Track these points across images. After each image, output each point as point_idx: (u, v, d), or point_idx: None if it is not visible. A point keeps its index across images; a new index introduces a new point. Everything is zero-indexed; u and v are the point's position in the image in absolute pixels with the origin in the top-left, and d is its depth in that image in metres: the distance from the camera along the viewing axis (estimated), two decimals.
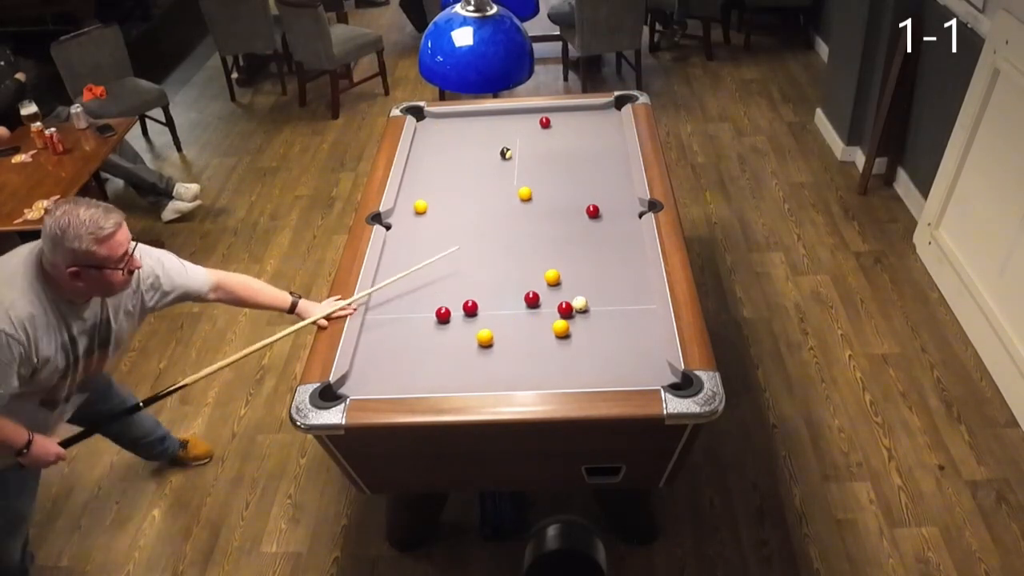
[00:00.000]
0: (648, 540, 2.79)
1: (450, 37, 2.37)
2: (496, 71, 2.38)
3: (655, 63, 6.38)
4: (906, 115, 4.32)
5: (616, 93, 3.76)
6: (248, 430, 3.36)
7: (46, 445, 2.27)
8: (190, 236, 4.65)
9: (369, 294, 2.61)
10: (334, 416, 2.13)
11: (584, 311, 2.48)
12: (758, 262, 4.10)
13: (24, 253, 2.13)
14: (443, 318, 2.51)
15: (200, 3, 5.77)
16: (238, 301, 2.63)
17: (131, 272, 2.16)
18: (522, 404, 2.16)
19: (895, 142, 4.43)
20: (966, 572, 2.64)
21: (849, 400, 3.28)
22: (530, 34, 2.53)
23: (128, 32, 5.69)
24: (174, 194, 4.70)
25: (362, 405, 2.17)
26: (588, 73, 6.01)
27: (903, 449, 3.07)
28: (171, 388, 2.55)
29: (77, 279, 2.06)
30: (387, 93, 6.20)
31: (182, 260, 2.48)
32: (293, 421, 2.15)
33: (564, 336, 2.41)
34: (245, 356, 2.55)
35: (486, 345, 2.39)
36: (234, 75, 6.35)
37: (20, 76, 4.63)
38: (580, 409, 2.13)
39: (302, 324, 2.55)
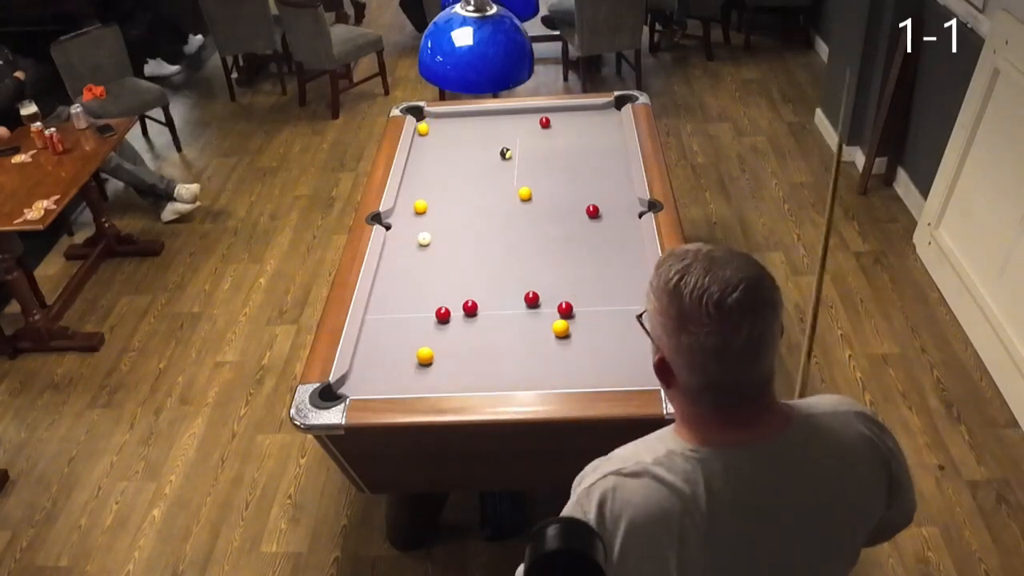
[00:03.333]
0: None
1: (450, 37, 2.37)
2: (496, 71, 2.38)
3: (655, 63, 6.38)
4: (906, 115, 4.31)
5: (616, 93, 3.76)
6: (248, 430, 3.36)
7: None
8: (190, 236, 4.65)
9: None
10: (334, 416, 2.13)
11: None
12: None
13: None
14: (443, 318, 2.51)
15: (200, 3, 5.77)
16: None
17: None
18: (522, 404, 2.16)
19: (895, 142, 4.42)
20: (966, 572, 2.64)
21: None
22: (530, 34, 2.53)
23: (128, 32, 5.68)
24: (174, 195, 4.70)
25: (362, 405, 2.17)
26: (588, 73, 6.00)
27: (903, 449, 3.06)
28: None
29: None
30: (387, 93, 6.20)
31: None
32: (293, 421, 2.15)
33: (564, 336, 2.41)
34: None
35: (426, 363, 2.35)
36: (234, 75, 6.34)
37: (19, 75, 4.63)
38: (580, 409, 2.13)
39: None
